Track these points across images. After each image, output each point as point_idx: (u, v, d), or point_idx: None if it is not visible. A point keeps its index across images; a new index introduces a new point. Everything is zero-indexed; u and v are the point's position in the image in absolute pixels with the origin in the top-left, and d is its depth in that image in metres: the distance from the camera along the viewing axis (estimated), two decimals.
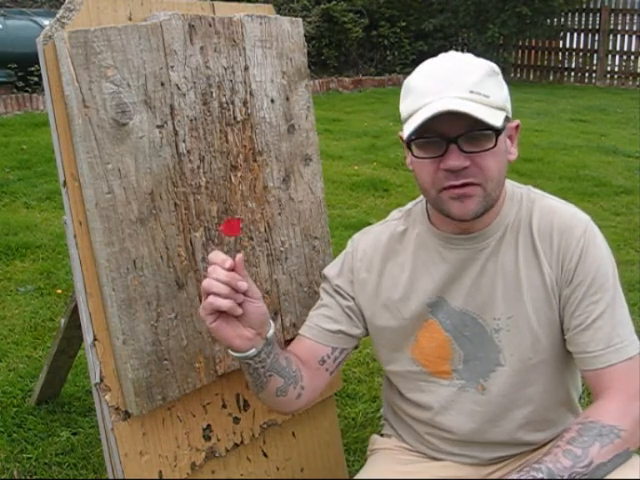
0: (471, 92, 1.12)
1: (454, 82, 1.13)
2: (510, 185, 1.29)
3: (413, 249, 1.32)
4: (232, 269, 1.08)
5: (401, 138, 1.24)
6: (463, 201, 1.17)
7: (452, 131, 1.13)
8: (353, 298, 1.36)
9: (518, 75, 11.88)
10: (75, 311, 1.73)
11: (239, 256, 1.09)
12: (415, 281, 1.31)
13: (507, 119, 1.19)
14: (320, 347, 1.34)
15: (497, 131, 1.13)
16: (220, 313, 1.10)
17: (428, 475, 1.34)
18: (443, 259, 1.28)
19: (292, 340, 1.54)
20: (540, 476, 1.06)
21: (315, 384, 1.33)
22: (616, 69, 11.57)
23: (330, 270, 1.40)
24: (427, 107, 1.12)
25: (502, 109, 1.16)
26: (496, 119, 1.13)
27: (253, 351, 1.16)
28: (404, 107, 1.19)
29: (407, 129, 1.16)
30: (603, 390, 1.18)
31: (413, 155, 1.19)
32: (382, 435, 1.50)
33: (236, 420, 1.50)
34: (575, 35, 11.85)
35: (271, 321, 1.19)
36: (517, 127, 1.24)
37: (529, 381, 1.27)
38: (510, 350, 1.25)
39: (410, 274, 1.31)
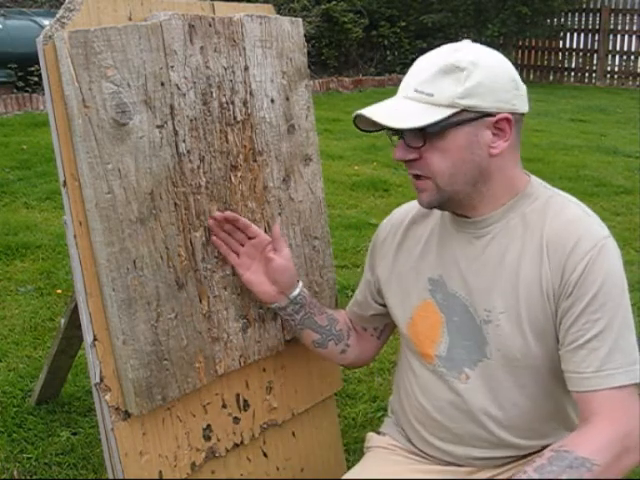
0: (415, 91, 1.18)
1: (410, 80, 1.21)
2: (536, 184, 1.27)
3: (432, 225, 1.35)
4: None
5: None
6: (418, 192, 1.25)
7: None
8: (375, 268, 1.44)
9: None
10: (75, 311, 1.73)
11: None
12: (425, 254, 1.34)
13: (478, 113, 1.16)
14: (359, 326, 1.53)
15: (423, 130, 1.15)
16: (250, 266, 1.40)
17: (414, 477, 1.34)
18: (450, 238, 1.30)
19: (292, 340, 1.55)
20: None
21: (363, 346, 1.52)
22: (616, 69, 11.57)
23: (369, 245, 1.50)
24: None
25: (449, 106, 1.15)
26: (426, 117, 1.15)
27: (276, 305, 1.43)
28: None
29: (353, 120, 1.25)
30: (589, 416, 1.13)
31: (391, 142, 1.27)
32: (378, 433, 1.51)
33: (236, 420, 1.50)
34: (575, 35, 11.84)
35: (299, 283, 1.43)
36: (507, 120, 1.18)
37: (515, 384, 1.25)
38: (496, 345, 1.23)
39: (423, 247, 1.34)
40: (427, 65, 1.19)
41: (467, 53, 1.18)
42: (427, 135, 1.16)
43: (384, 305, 1.44)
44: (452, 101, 1.15)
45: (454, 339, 1.28)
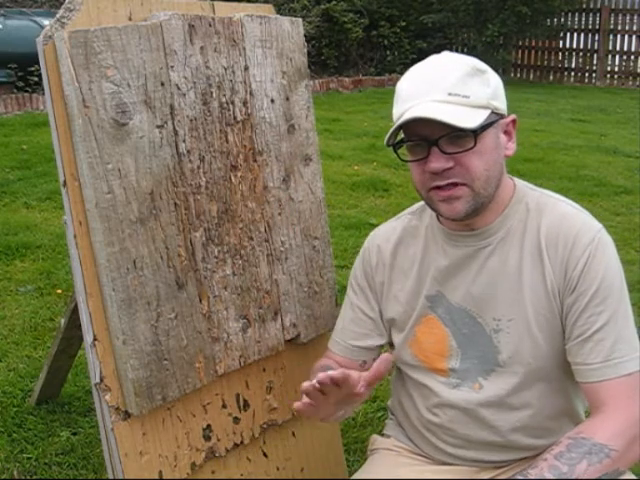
0: (449, 94, 1.14)
1: (434, 85, 1.16)
2: (523, 187, 1.29)
3: (423, 244, 1.34)
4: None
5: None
6: (451, 203, 1.19)
7: (433, 134, 1.15)
8: (376, 293, 1.39)
9: (518, 75, 11.87)
10: (75, 311, 1.73)
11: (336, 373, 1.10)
12: (422, 275, 1.32)
13: (499, 115, 1.20)
14: (354, 362, 1.40)
15: (475, 131, 1.14)
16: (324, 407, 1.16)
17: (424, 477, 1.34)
18: (445, 254, 1.29)
19: (292, 340, 1.55)
20: None
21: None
22: (616, 69, 11.56)
23: (356, 271, 1.43)
24: (406, 113, 1.15)
25: (485, 107, 1.17)
26: (474, 119, 1.14)
27: None
28: (394, 112, 1.21)
29: (388, 135, 1.19)
30: (600, 406, 1.16)
31: (400, 158, 1.23)
32: (382, 435, 1.51)
33: (236, 420, 1.50)
34: (575, 35, 11.83)
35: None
36: (514, 122, 1.24)
37: (527, 385, 1.25)
38: (508, 352, 1.24)
39: (419, 267, 1.33)
40: (448, 70, 1.16)
41: (471, 58, 1.20)
42: (477, 137, 1.15)
43: (384, 334, 1.41)
44: (487, 102, 1.17)
45: (466, 351, 1.28)
